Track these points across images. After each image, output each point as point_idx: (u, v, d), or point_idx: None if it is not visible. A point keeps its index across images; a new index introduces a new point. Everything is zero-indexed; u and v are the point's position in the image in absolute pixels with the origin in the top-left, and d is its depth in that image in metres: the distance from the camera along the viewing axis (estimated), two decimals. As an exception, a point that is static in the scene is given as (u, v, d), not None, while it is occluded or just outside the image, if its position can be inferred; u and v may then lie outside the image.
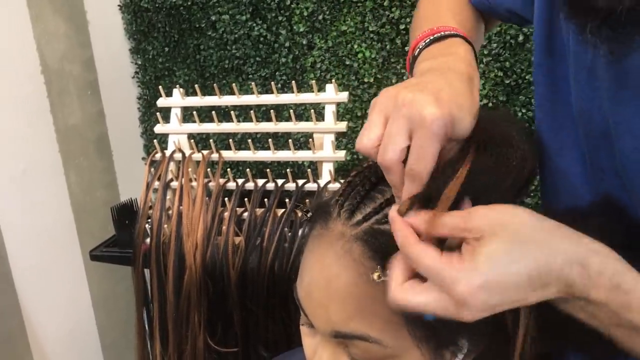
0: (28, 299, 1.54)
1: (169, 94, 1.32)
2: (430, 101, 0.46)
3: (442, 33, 0.60)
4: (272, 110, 1.24)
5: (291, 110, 1.23)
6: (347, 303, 0.51)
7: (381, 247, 0.49)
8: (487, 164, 0.48)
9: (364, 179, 0.54)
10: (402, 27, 1.41)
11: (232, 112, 1.27)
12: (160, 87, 1.32)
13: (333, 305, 0.51)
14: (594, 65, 0.51)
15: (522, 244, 0.43)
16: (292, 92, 1.24)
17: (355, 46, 1.46)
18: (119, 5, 1.74)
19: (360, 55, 1.46)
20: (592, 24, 0.43)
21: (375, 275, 0.47)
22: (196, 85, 1.29)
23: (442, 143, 0.46)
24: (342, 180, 1.18)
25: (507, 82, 1.33)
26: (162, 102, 1.33)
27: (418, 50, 0.61)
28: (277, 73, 1.59)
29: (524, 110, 1.35)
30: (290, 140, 1.24)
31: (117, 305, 1.87)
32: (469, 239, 0.43)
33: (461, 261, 0.43)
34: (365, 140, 0.48)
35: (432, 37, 0.60)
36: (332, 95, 1.21)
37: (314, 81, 1.20)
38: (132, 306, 1.95)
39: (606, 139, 0.52)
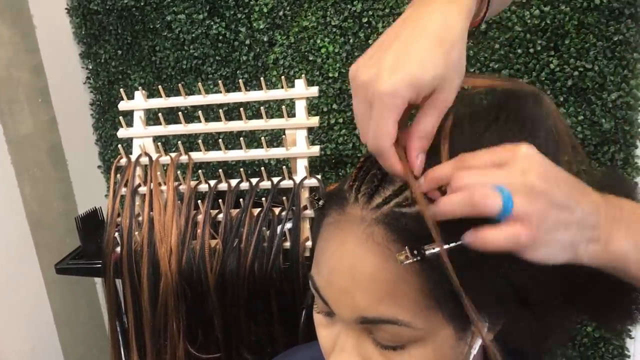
0: (-12, 319, 1.46)
1: (123, 98, 1.28)
2: (383, 74, 0.47)
3: None
4: (241, 109, 1.22)
5: (262, 108, 1.21)
6: (373, 288, 0.49)
7: (405, 229, 0.48)
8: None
9: (379, 163, 0.53)
10: (364, 20, 1.40)
11: (199, 112, 1.24)
12: (121, 90, 1.27)
13: (359, 291, 0.50)
14: None
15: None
16: (259, 89, 1.22)
17: (318, 41, 1.45)
18: (66, 9, 1.67)
19: (323, 50, 1.45)
20: None
21: (403, 257, 0.47)
22: (160, 87, 1.25)
23: (399, 112, 0.47)
24: (317, 176, 1.17)
25: (472, 70, 1.35)
26: (123, 105, 1.28)
27: None
28: (238, 72, 1.56)
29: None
30: (262, 138, 1.21)
31: (79, 319, 1.81)
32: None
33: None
34: (363, 139, 0.51)
35: None
36: (302, 90, 1.19)
37: (283, 77, 1.18)
38: (96, 319, 1.89)
39: None
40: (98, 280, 1.87)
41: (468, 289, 0.45)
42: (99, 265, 1.25)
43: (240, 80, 1.21)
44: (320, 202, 0.56)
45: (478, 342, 0.54)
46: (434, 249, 0.46)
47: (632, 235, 0.47)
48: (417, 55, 0.47)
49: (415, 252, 0.46)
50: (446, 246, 0.45)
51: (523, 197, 0.43)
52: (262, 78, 1.23)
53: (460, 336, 0.52)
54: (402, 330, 0.50)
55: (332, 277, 0.52)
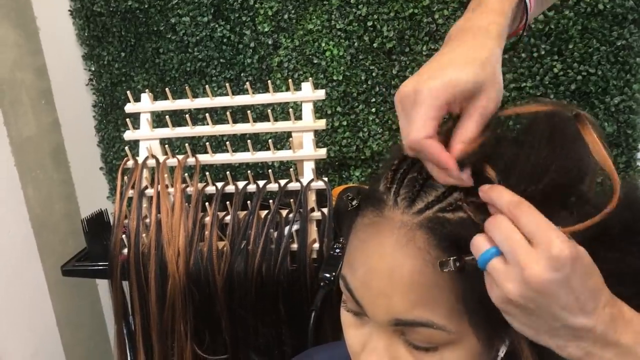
0: (-9, 320, 1.46)
1: (127, 100, 1.28)
2: (422, 81, 0.50)
3: None
4: (248, 111, 1.22)
5: (269, 110, 1.21)
6: (411, 291, 0.50)
7: (447, 236, 0.49)
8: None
9: (418, 167, 0.53)
10: (369, 24, 1.41)
11: (206, 115, 1.24)
12: (128, 92, 1.28)
13: (397, 293, 0.50)
14: None
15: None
16: (263, 92, 1.22)
17: (323, 44, 1.46)
18: (69, 11, 1.67)
19: (328, 54, 1.46)
20: None
21: (444, 264, 0.48)
22: (167, 89, 1.25)
23: (436, 109, 0.49)
24: (324, 179, 1.18)
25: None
26: (130, 107, 1.29)
27: None
28: (242, 74, 1.57)
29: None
30: (270, 141, 1.22)
31: (82, 321, 1.80)
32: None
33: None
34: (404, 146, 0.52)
35: None
36: (309, 93, 1.20)
37: (290, 80, 1.19)
38: (98, 322, 1.89)
39: None
40: (100, 282, 1.87)
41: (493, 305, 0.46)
42: (106, 267, 1.25)
43: (247, 83, 1.22)
44: (355, 203, 0.57)
45: (502, 351, 0.55)
46: (473, 259, 0.47)
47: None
48: (453, 67, 0.50)
49: (457, 262, 0.47)
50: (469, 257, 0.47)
51: (514, 285, 0.44)
52: (269, 81, 1.24)
53: (487, 344, 0.52)
54: (436, 333, 0.50)
55: (369, 278, 0.52)
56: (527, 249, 0.44)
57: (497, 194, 0.47)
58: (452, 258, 0.47)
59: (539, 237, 0.44)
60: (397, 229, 0.51)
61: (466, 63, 0.51)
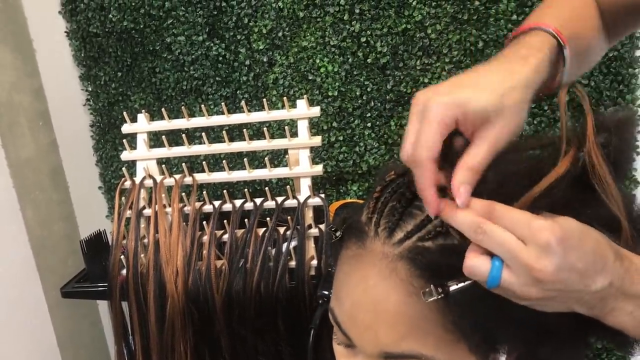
0: (-9, 343, 1.46)
1: (124, 120, 1.29)
2: (437, 94, 0.49)
3: (531, 28, 0.58)
4: (244, 130, 1.23)
5: (265, 128, 1.22)
6: (397, 324, 0.50)
7: (429, 264, 0.49)
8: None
9: (398, 195, 0.53)
10: (363, 40, 1.42)
11: (202, 134, 1.25)
12: (124, 113, 1.28)
13: (382, 327, 0.51)
14: None
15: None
16: (259, 109, 1.23)
17: (317, 61, 1.47)
18: (65, 32, 1.69)
19: (322, 70, 1.47)
20: None
21: (427, 294, 0.47)
22: (163, 109, 1.26)
23: (444, 126, 0.48)
24: (321, 195, 1.18)
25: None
26: (127, 128, 1.29)
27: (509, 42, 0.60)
28: (238, 92, 1.58)
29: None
30: (266, 158, 1.23)
31: (83, 341, 1.80)
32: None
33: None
34: (402, 151, 0.50)
35: (520, 32, 0.59)
36: (304, 110, 1.21)
37: (285, 98, 1.20)
38: (99, 342, 1.89)
39: None
40: (100, 302, 1.87)
41: (489, 320, 0.46)
42: (105, 288, 1.25)
43: (242, 102, 1.22)
44: (338, 234, 0.57)
45: None
46: (457, 284, 0.46)
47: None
48: (470, 89, 0.49)
49: (440, 289, 0.46)
50: (465, 283, 0.46)
51: (531, 288, 0.44)
52: (264, 99, 1.25)
53: None
54: None
55: (355, 312, 0.52)
56: (522, 247, 0.44)
57: (464, 210, 0.47)
58: (433, 286, 0.47)
59: (523, 232, 0.44)
60: (379, 261, 0.51)
61: (485, 88, 0.49)
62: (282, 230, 1.18)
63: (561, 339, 0.51)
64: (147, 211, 1.24)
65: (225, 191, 1.24)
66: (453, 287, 0.46)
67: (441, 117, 0.48)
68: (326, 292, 1.05)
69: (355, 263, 0.53)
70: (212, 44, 1.55)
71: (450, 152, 0.50)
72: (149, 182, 1.26)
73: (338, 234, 0.57)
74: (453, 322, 0.49)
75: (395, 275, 0.50)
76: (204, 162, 1.25)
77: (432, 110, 0.48)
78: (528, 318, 0.48)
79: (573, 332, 0.51)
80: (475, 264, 0.45)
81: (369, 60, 1.44)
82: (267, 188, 1.22)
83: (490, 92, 0.49)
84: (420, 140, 0.48)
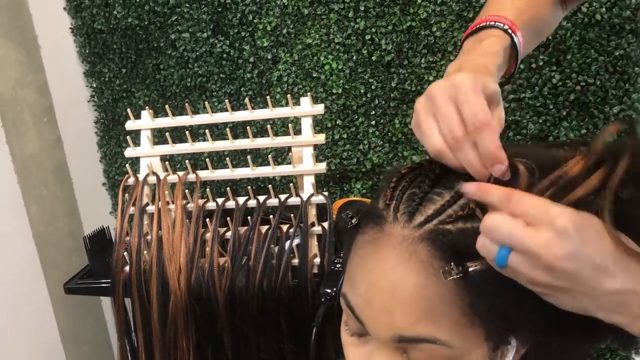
0: (-5, 338, 1.46)
1: (128, 116, 1.29)
2: (453, 75, 0.54)
3: (485, 24, 0.65)
4: (248, 127, 1.23)
5: (268, 125, 1.22)
6: (415, 306, 0.50)
7: (450, 245, 0.49)
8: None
9: (417, 182, 0.54)
10: (367, 37, 1.42)
11: (206, 131, 1.25)
12: (128, 110, 1.28)
13: (399, 309, 0.50)
14: None
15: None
16: (263, 106, 1.23)
17: (322, 58, 1.47)
18: (70, 28, 1.69)
19: (327, 67, 1.47)
20: None
21: (447, 272, 0.48)
22: (167, 106, 1.26)
23: (482, 94, 0.52)
24: (324, 193, 1.18)
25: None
26: (130, 124, 1.29)
27: (466, 39, 0.67)
28: (242, 89, 1.58)
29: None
30: (269, 155, 1.22)
31: (86, 337, 1.81)
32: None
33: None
34: (433, 141, 0.53)
35: (475, 28, 0.66)
36: (308, 108, 1.20)
37: (289, 95, 1.20)
38: (102, 338, 1.89)
39: None
40: (104, 299, 1.88)
41: (505, 304, 0.47)
42: (108, 285, 1.25)
43: (246, 99, 1.22)
44: (354, 220, 0.57)
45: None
46: (476, 266, 0.47)
47: None
48: (479, 74, 0.56)
49: (461, 268, 0.47)
50: (483, 265, 0.47)
51: (540, 273, 0.44)
52: (268, 96, 1.25)
53: (492, 356, 0.52)
54: (439, 350, 0.50)
55: (371, 295, 0.52)
56: (532, 234, 0.44)
57: (484, 193, 0.48)
58: (454, 264, 0.47)
59: (540, 216, 0.44)
60: (399, 244, 0.51)
61: (477, 73, 0.55)
62: (285, 228, 1.18)
63: (577, 332, 0.51)
64: (151, 208, 1.24)
65: (228, 188, 1.24)
66: (472, 268, 0.47)
67: (478, 87, 0.52)
68: (329, 290, 1.05)
69: (372, 247, 0.53)
70: (216, 41, 1.55)
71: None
72: (152, 179, 1.26)
73: (354, 220, 0.57)
74: (470, 305, 0.49)
75: (415, 258, 0.50)
76: (207, 159, 1.24)
77: (464, 85, 0.52)
78: (544, 307, 0.48)
79: (589, 326, 0.50)
80: (486, 242, 0.46)
81: (373, 58, 1.43)
82: (270, 185, 1.22)
83: (491, 80, 0.55)
84: (472, 109, 0.51)
